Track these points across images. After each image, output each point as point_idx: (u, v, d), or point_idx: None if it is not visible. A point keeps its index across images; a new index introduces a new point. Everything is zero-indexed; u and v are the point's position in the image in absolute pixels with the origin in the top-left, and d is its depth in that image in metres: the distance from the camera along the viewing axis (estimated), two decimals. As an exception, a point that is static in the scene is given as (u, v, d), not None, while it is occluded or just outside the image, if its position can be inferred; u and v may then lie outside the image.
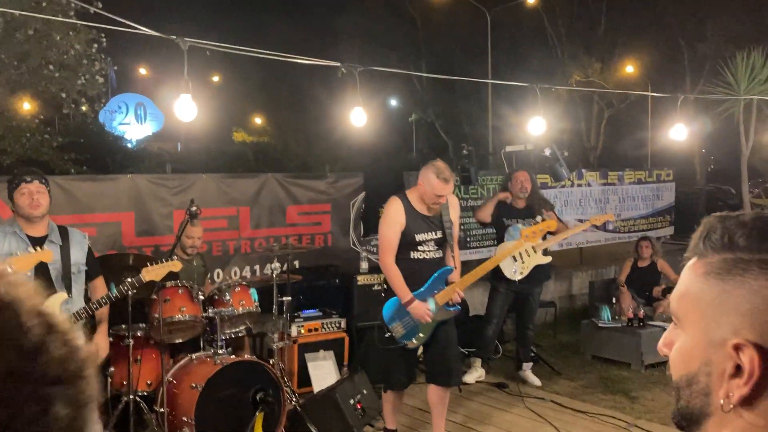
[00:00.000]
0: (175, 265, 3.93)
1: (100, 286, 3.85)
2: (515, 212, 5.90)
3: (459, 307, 4.39)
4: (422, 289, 4.23)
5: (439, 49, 18.89)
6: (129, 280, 3.80)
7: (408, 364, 4.38)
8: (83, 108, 7.87)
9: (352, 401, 4.87)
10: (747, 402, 0.74)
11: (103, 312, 3.77)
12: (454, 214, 4.39)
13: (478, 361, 6.09)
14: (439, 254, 4.34)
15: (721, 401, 0.76)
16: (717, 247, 0.81)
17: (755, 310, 0.74)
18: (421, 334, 4.27)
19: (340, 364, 5.68)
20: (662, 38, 18.97)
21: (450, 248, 4.37)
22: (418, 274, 4.25)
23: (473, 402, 5.51)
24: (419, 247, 4.26)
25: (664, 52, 19.27)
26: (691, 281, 0.84)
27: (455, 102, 20.10)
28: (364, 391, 4.83)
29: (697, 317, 0.81)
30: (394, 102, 22.70)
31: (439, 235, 4.31)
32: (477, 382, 5.97)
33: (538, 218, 4.77)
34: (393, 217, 4.22)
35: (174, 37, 3.69)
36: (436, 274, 4.26)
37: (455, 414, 5.21)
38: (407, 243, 4.24)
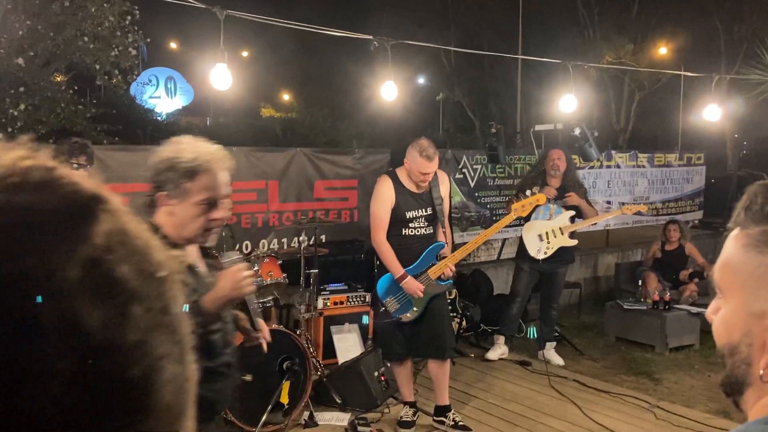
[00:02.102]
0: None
1: None
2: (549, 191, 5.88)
3: (451, 281, 4.54)
4: (414, 264, 4.35)
5: (468, 27, 18.69)
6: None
7: (404, 336, 4.48)
8: (115, 80, 7.96)
9: (376, 374, 4.95)
10: None
11: None
12: (444, 190, 4.51)
13: (501, 339, 6.13)
14: (430, 230, 4.45)
15: (761, 372, 0.77)
16: (757, 218, 0.80)
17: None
18: (414, 308, 4.39)
19: (364, 337, 5.75)
20: (697, 19, 18.55)
21: (441, 224, 4.49)
22: (410, 251, 4.37)
23: (496, 379, 5.56)
24: (410, 224, 4.38)
25: (699, 33, 18.85)
26: (732, 252, 0.84)
27: (484, 81, 19.92)
28: (388, 364, 4.90)
29: (738, 289, 0.81)
30: (422, 80, 22.57)
31: (430, 211, 4.42)
32: (500, 359, 6.01)
33: (528, 192, 4.75)
34: (383, 195, 4.33)
35: (212, 7, 3.72)
36: (427, 250, 4.37)
37: (477, 389, 5.27)
38: (398, 220, 4.35)
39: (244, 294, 2.21)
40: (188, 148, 2.16)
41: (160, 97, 16.03)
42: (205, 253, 2.38)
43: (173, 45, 22.57)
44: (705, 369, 5.87)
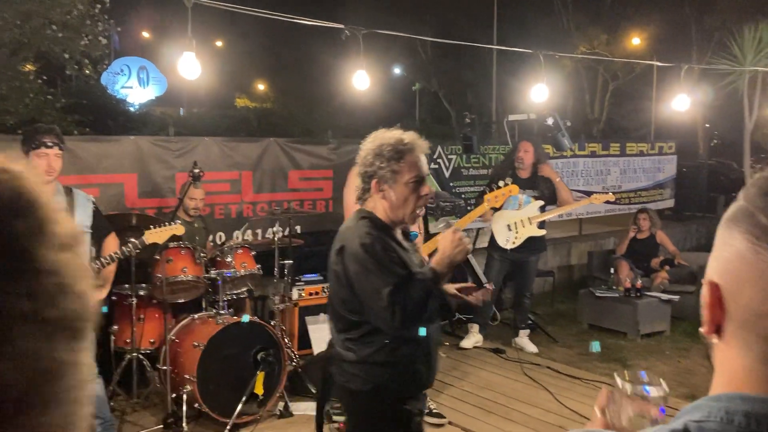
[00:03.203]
0: (178, 229, 3.96)
1: (112, 243, 3.86)
2: (518, 182, 5.92)
3: None
4: None
5: (444, 18, 18.69)
6: (132, 241, 3.83)
7: None
8: (86, 71, 7.82)
9: (351, 363, 4.96)
10: (718, 332, 0.79)
11: (108, 273, 3.81)
12: None
13: (475, 327, 6.17)
14: None
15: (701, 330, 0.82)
16: (739, 195, 0.84)
17: (728, 262, 0.77)
18: None
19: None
20: (669, 10, 18.74)
21: None
22: None
23: (471, 367, 5.61)
24: None
25: (671, 24, 19.06)
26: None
27: (459, 71, 19.94)
28: (363, 354, 4.91)
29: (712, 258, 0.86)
30: (397, 71, 22.53)
31: None
32: (474, 347, 6.06)
33: (500, 183, 4.78)
34: (356, 185, 4.31)
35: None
36: None
37: (452, 378, 5.31)
38: None
39: (465, 252, 2.34)
40: (388, 135, 2.40)
41: (133, 87, 15.79)
42: None
43: (146, 34, 22.25)
44: (675, 355, 5.98)
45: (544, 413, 4.67)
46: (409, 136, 2.41)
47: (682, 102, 6.49)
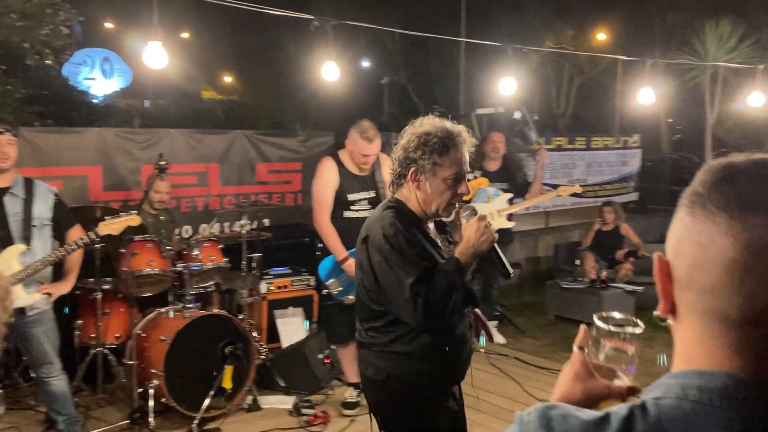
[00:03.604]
0: (134, 220, 3.87)
1: (76, 235, 3.77)
2: (488, 174, 5.97)
3: None
4: None
5: (412, 11, 18.69)
6: (87, 233, 3.74)
7: (348, 318, 4.48)
8: (48, 61, 7.64)
9: (320, 356, 4.96)
10: (672, 312, 0.82)
11: (72, 262, 3.74)
12: (387, 173, 4.48)
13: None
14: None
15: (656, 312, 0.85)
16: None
17: (672, 232, 0.83)
18: None
19: (309, 321, 5.74)
20: (634, 7, 19.01)
21: None
22: (353, 233, 4.32)
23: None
24: (352, 207, 4.39)
25: (635, 21, 19.34)
26: None
27: (427, 65, 19.96)
28: (333, 347, 4.91)
29: None
30: (366, 64, 22.47)
31: (372, 194, 4.43)
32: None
33: (470, 176, 4.83)
34: (326, 177, 4.33)
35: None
36: None
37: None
38: (340, 202, 4.36)
39: (489, 241, 2.26)
40: (437, 125, 2.31)
41: (96, 78, 15.46)
42: None
43: (109, 25, 21.83)
44: (640, 344, 6.08)
45: (511, 403, 4.72)
46: (458, 130, 2.32)
47: (647, 95, 6.60)
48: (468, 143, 2.33)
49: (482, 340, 2.80)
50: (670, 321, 0.84)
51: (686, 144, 21.35)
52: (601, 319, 1.16)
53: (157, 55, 4.04)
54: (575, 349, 1.15)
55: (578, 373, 1.13)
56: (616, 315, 1.17)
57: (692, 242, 0.77)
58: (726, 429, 0.71)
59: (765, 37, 11.57)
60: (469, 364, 2.50)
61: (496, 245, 2.29)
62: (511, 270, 2.35)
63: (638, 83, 6.82)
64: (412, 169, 2.30)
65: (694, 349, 0.79)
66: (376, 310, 2.36)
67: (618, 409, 0.78)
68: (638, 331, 1.13)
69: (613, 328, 1.15)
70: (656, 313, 0.84)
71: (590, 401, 1.12)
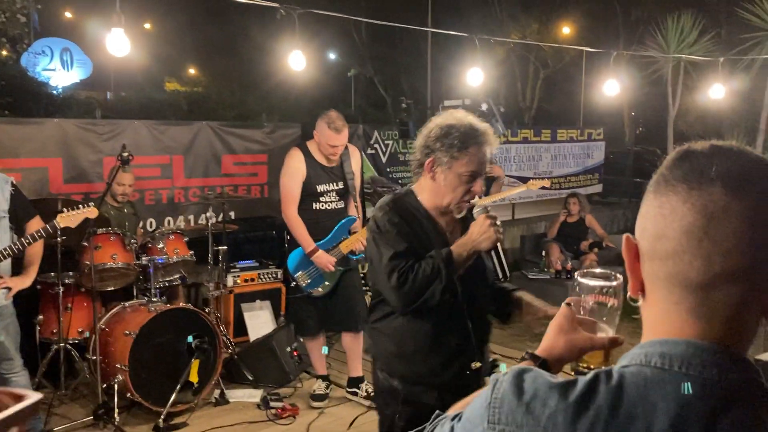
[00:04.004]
0: (91, 212, 3.78)
1: (35, 228, 3.66)
2: None
3: (363, 255, 4.52)
4: (326, 239, 4.34)
5: (378, 3, 18.65)
6: (43, 226, 3.65)
7: (317, 311, 4.47)
8: (4, 51, 7.43)
9: (288, 349, 4.93)
10: (642, 291, 0.87)
11: (32, 255, 3.64)
12: (356, 164, 4.51)
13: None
14: (341, 204, 4.45)
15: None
16: None
17: (640, 213, 0.87)
18: (326, 283, 4.38)
19: (276, 314, 5.71)
20: (598, 1, 19.27)
21: (353, 198, 4.49)
22: (321, 225, 4.36)
23: (407, 350, 5.66)
24: (321, 198, 4.36)
25: (599, 16, 19.61)
26: None
27: (394, 57, 19.95)
28: (301, 339, 4.89)
29: None
30: (333, 56, 22.35)
31: (341, 186, 4.41)
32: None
33: None
34: (294, 168, 4.30)
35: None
36: (339, 224, 4.37)
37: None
38: (309, 194, 4.33)
39: (490, 240, 2.21)
40: (462, 119, 2.25)
41: (56, 69, 15.06)
42: None
43: (68, 14, 21.32)
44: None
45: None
46: (483, 128, 2.26)
47: (611, 87, 6.69)
48: (492, 143, 2.27)
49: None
50: (640, 301, 0.87)
51: (649, 137, 21.73)
52: (582, 275, 1.23)
53: (119, 42, 3.94)
54: (563, 305, 1.23)
55: (562, 326, 1.21)
56: (597, 271, 1.23)
57: (655, 215, 0.83)
58: (680, 387, 0.76)
59: (725, 32, 11.82)
60: (465, 379, 2.31)
61: (499, 246, 2.24)
62: (507, 274, 2.27)
63: (602, 76, 6.91)
64: (430, 159, 2.27)
65: (659, 320, 0.84)
66: (375, 288, 2.41)
67: (587, 375, 0.83)
68: (616, 283, 1.19)
69: (592, 283, 1.21)
70: (629, 294, 0.89)
71: (573, 352, 1.20)
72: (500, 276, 2.24)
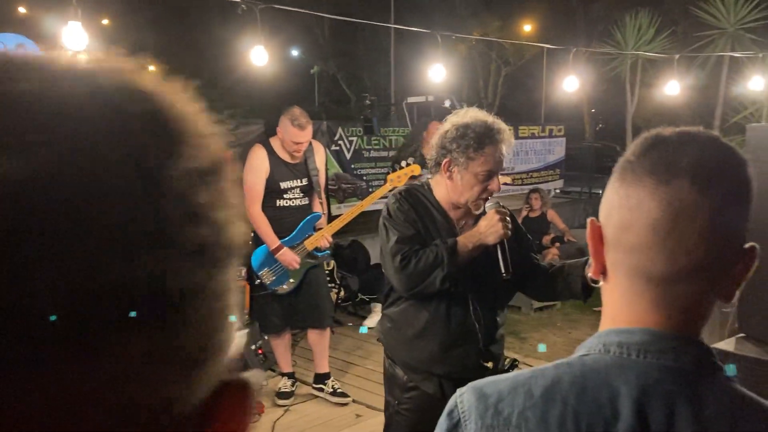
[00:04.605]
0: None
1: None
2: (424, 162, 6.02)
3: (329, 252, 4.53)
4: (290, 236, 4.32)
5: (342, 1, 18.63)
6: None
7: (282, 308, 4.46)
8: (-45, 46, 7.22)
9: (253, 347, 4.89)
10: (603, 273, 0.88)
11: None
12: (320, 161, 4.49)
13: (378, 306, 6.24)
14: (305, 201, 4.43)
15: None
16: None
17: (604, 198, 0.89)
18: (291, 280, 4.37)
19: (241, 312, 5.66)
20: (557, 1, 19.57)
21: (317, 195, 4.48)
22: (285, 222, 4.34)
23: (374, 346, 5.66)
24: (284, 195, 4.34)
25: (560, 14, 19.91)
26: None
27: (357, 54, 19.96)
28: (266, 337, 4.86)
29: None
30: (296, 53, 22.24)
31: (305, 182, 4.39)
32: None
33: (403, 163, 4.86)
34: (257, 165, 4.26)
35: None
36: (304, 221, 4.36)
37: (356, 357, 5.36)
38: (272, 190, 4.30)
39: (496, 234, 2.21)
40: (479, 118, 2.28)
41: (10, 65, 14.71)
42: None
43: (22, 9, 20.79)
44: (566, 326, 6.30)
45: (445, 387, 4.80)
46: (499, 126, 2.28)
47: (571, 83, 6.80)
48: (508, 142, 2.30)
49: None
50: (601, 282, 0.89)
51: (608, 133, 22.12)
52: None
53: (76, 35, 3.85)
54: None
55: None
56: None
57: (621, 205, 0.83)
58: (641, 378, 0.79)
59: (682, 30, 12.11)
60: (469, 373, 2.23)
61: (505, 242, 2.24)
62: (510, 269, 2.24)
63: (563, 73, 7.01)
64: (446, 160, 2.30)
65: (619, 308, 0.86)
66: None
67: (545, 367, 0.84)
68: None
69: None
70: (589, 274, 0.91)
71: None
72: (503, 272, 2.24)
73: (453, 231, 2.36)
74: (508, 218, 2.25)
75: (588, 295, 2.27)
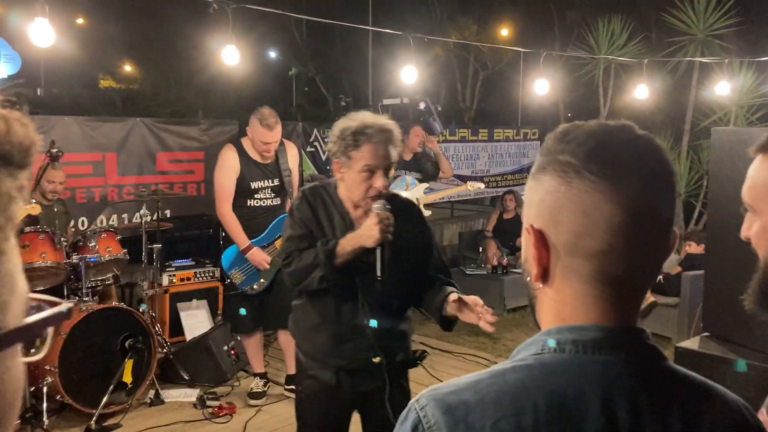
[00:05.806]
0: (34, 209, 3.71)
1: None
2: (403, 164, 6.07)
3: None
4: (262, 236, 4.32)
5: (319, 1, 18.62)
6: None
7: (253, 308, 4.44)
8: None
9: (225, 347, 4.88)
10: (545, 277, 0.86)
11: None
12: (293, 161, 4.49)
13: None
14: (277, 201, 4.41)
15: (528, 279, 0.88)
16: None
17: (542, 202, 0.85)
18: (261, 280, 4.36)
19: (214, 313, 5.64)
20: (534, 4, 19.73)
21: (290, 196, 4.45)
22: (256, 222, 4.33)
23: (346, 346, 5.69)
24: (255, 195, 4.33)
25: (536, 19, 20.09)
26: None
27: (335, 56, 19.94)
28: (239, 338, 4.85)
29: None
30: (273, 54, 22.17)
31: (277, 182, 4.38)
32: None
33: None
34: (227, 165, 4.26)
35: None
36: (275, 221, 4.33)
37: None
38: (243, 190, 4.29)
39: (372, 239, 2.25)
40: (357, 119, 2.34)
41: (-19, 64, 14.50)
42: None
43: (-5, 7, 20.44)
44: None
45: (417, 386, 4.78)
46: (377, 123, 2.32)
47: (542, 86, 6.89)
48: (388, 137, 2.32)
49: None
50: (539, 286, 0.87)
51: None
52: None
53: (43, 32, 3.81)
54: None
55: None
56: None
57: (574, 211, 0.80)
58: (602, 376, 0.79)
59: (655, 36, 12.29)
60: (361, 365, 2.42)
61: (385, 246, 2.27)
62: (381, 274, 2.29)
63: (537, 77, 7.09)
64: (334, 161, 2.39)
65: (572, 309, 0.84)
66: None
67: (503, 369, 0.83)
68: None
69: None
70: (528, 279, 0.88)
71: None
72: (378, 274, 2.29)
73: (350, 230, 2.39)
74: (389, 221, 2.28)
75: (448, 329, 2.44)
